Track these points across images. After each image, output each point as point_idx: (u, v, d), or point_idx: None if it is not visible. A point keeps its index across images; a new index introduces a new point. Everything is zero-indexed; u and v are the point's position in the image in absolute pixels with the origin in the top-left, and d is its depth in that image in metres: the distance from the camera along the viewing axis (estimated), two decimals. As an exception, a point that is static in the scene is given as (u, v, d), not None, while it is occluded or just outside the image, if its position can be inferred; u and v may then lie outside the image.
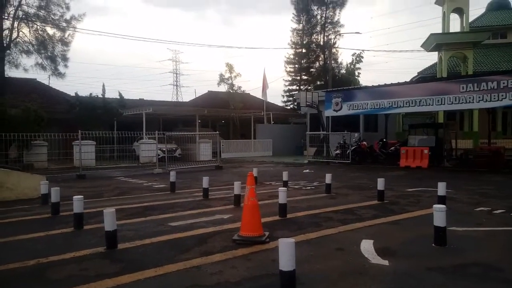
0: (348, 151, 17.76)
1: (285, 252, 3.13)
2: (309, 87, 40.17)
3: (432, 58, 61.83)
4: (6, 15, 22.08)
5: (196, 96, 40.60)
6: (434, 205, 4.76)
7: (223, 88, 29.90)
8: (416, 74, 28.44)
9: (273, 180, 11.63)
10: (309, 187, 10.11)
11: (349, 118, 20.14)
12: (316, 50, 42.04)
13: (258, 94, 34.84)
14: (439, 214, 4.59)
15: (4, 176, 8.66)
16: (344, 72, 39.18)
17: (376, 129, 23.10)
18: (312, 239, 4.93)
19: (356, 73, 38.52)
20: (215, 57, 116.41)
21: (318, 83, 39.68)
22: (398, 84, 17.35)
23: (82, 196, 5.78)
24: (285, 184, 9.71)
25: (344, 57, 49.17)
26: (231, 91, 29.27)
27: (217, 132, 20.17)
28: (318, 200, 8.08)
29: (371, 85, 18.86)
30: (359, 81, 37.21)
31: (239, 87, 30.44)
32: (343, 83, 32.41)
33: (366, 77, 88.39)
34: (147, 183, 11.59)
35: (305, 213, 6.61)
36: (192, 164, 18.12)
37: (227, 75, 29.53)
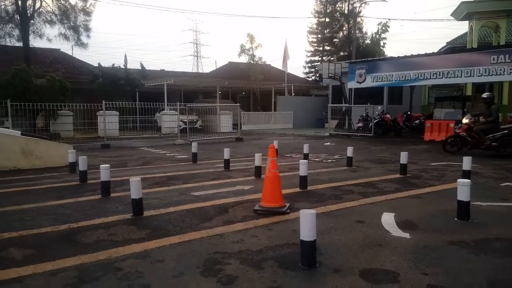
0: (370, 124, 17.49)
1: (306, 223, 3.18)
2: (332, 58, 39.29)
3: (462, 27, 59.01)
4: (29, -16, 22.17)
5: (217, 67, 40.37)
6: (458, 180, 4.68)
7: (244, 59, 29.57)
8: (445, 44, 27.28)
9: (293, 153, 11.64)
10: (330, 160, 10.08)
11: (372, 90, 19.71)
12: (340, 19, 40.77)
13: (279, 65, 34.38)
14: (463, 188, 4.52)
15: (33, 144, 8.99)
16: (369, 42, 37.96)
17: (401, 102, 22.57)
18: (332, 211, 4.97)
19: (382, 44, 37.26)
20: (236, 27, 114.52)
21: (341, 54, 38.71)
22: (426, 55, 16.74)
23: (109, 165, 5.96)
24: (305, 156, 9.70)
25: (369, 27, 47.60)
26: (252, 62, 28.92)
27: (238, 104, 20.13)
28: (339, 173, 8.07)
29: (396, 56, 18.23)
30: (384, 52, 36.04)
31: (260, 58, 30.02)
32: (367, 54, 31.48)
33: (392, 48, 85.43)
34: (169, 154, 11.81)
35: (325, 185, 6.62)
36: (213, 135, 18.27)
37: (248, 45, 29.10)
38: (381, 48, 36.89)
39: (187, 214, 4.82)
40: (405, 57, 17.28)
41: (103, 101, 15.20)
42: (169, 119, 19.60)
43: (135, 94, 23.74)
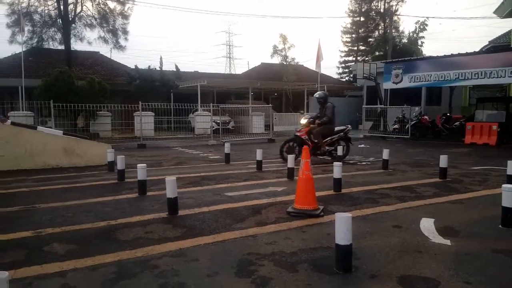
0: (407, 126, 16.98)
1: (342, 226, 3.11)
2: (367, 58, 38.49)
3: (505, 25, 56.09)
4: (70, -12, 23.22)
5: (249, 68, 40.59)
6: (504, 185, 4.44)
7: (277, 60, 29.54)
8: (487, 43, 26.02)
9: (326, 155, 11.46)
10: (364, 163, 9.87)
11: (409, 91, 19.14)
12: (376, 18, 39.86)
13: (312, 66, 34.06)
14: (508, 194, 4.28)
15: (74, 143, 9.38)
16: (406, 41, 36.82)
17: (439, 103, 21.77)
18: (368, 215, 4.85)
19: (419, 43, 36.02)
20: (269, 28, 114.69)
21: (377, 53, 37.78)
22: (467, 54, 16.04)
23: (145, 165, 6.11)
24: (339, 158, 9.54)
25: (406, 26, 46.21)
26: (285, 63, 28.84)
27: (270, 105, 20.13)
28: (374, 176, 7.87)
29: (435, 55, 17.58)
30: (422, 51, 34.86)
31: (293, 59, 29.89)
32: (404, 53, 30.57)
33: (430, 47, 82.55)
34: (202, 154, 11.97)
35: (360, 188, 6.48)
36: (245, 136, 18.36)
37: (280, 46, 29.06)
38: (419, 47, 35.68)
39: (221, 214, 4.85)
40: (445, 56, 16.64)
41: (140, 102, 15.64)
42: (202, 120, 19.90)
43: (170, 95, 24.27)
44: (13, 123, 10.01)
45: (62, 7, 22.96)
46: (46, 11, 24.11)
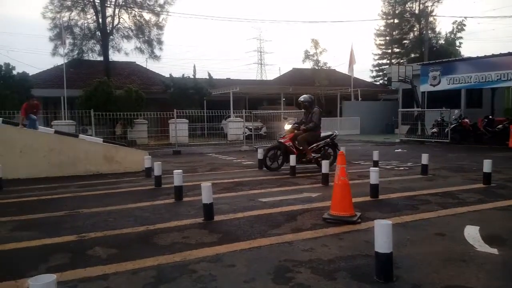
0: (446, 129, 16.35)
1: (382, 234, 3.02)
2: (402, 61, 37.48)
3: (553, 21, 52.84)
4: (108, 2, 24.28)
5: (281, 74, 40.61)
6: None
7: (308, 65, 29.36)
8: (532, 41, 24.68)
9: (361, 160, 11.25)
10: (402, 168, 9.58)
11: (448, 93, 18.44)
12: (410, 20, 38.81)
13: (344, 70, 33.64)
14: None
15: (114, 150, 9.73)
16: (443, 42, 35.61)
17: (480, 105, 20.81)
18: (408, 222, 4.69)
19: (457, 43, 34.76)
20: (300, 33, 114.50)
21: (412, 55, 36.78)
22: (509, 54, 15.28)
23: (181, 171, 6.23)
24: (375, 163, 9.32)
25: (443, 26, 44.49)
26: (316, 68, 28.62)
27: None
28: (413, 181, 7.62)
29: (475, 56, 16.88)
30: (460, 52, 33.60)
31: (325, 63, 29.60)
32: (441, 55, 29.57)
33: (469, 48, 79.17)
34: (236, 160, 12.06)
35: (399, 194, 6.29)
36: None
37: (312, 51, 28.86)
38: (457, 48, 34.42)
39: (256, 220, 4.85)
40: (486, 56, 15.96)
41: (174, 110, 16.01)
42: (235, 126, 20.08)
43: (203, 102, 24.70)
44: (56, 132, 10.53)
45: (100, 20, 24.02)
46: (85, 24, 25.31)
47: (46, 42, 27.95)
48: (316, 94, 28.52)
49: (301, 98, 9.43)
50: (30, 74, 21.93)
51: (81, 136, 11.31)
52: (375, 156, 9.52)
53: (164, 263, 3.45)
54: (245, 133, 17.43)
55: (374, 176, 5.97)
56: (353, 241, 4.01)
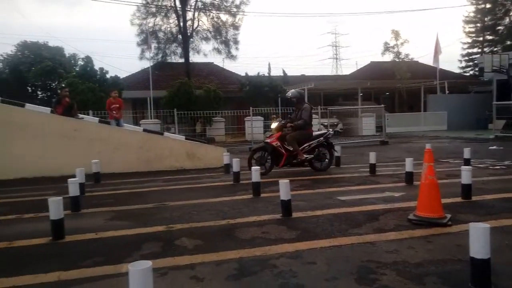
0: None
1: (478, 238, 2.77)
2: (495, 49, 33.93)
3: None
4: (188, 7, 25.62)
5: (358, 68, 39.27)
6: None
7: (388, 57, 27.97)
8: None
9: (450, 158, 10.43)
10: (498, 167, 8.68)
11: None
12: (506, 4, 34.92)
13: (428, 62, 31.39)
14: None
15: (196, 148, 10.26)
16: (546, 26, 31.44)
17: None
18: (507, 226, 4.23)
19: None
20: (378, 25, 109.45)
21: (508, 43, 33.07)
22: None
23: (259, 167, 6.34)
24: (466, 162, 8.56)
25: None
26: (397, 60, 27.13)
27: (382, 105, 19.12)
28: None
29: None
30: None
31: (406, 55, 27.94)
32: (544, 40, 26.16)
33: None
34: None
35: (495, 196, 5.71)
36: (355, 138, 17.76)
37: (392, 42, 27.45)
38: None
39: (335, 219, 4.76)
40: None
41: (250, 108, 16.36)
42: (310, 123, 19.86)
43: (277, 99, 24.90)
44: (145, 130, 11.39)
45: (181, 24, 25.45)
46: (168, 29, 27.01)
47: (134, 47, 30.34)
48: (397, 88, 27.13)
49: (289, 94, 8.67)
50: (121, 77, 24.05)
51: (166, 134, 12.10)
52: (467, 153, 8.74)
53: (246, 256, 3.55)
54: (320, 129, 17.16)
55: (466, 175, 5.49)
56: (443, 245, 3.73)
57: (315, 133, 8.59)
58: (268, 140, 8.30)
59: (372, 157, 8.28)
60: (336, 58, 57.39)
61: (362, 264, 3.30)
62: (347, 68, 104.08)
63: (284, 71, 26.88)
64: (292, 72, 31.76)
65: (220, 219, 4.87)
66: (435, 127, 23.50)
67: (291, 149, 8.11)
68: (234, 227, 4.50)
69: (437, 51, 25.54)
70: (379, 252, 3.60)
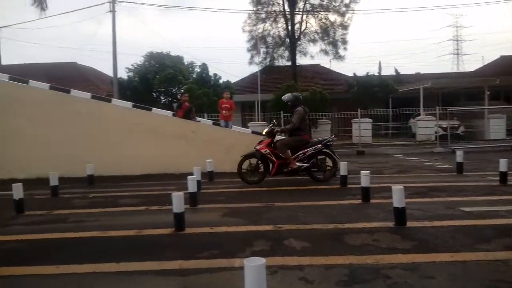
0: None
1: None
2: None
3: None
4: (297, 10, 25.86)
5: (484, 63, 34.89)
6: None
7: (524, 50, 24.24)
8: None
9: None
10: None
11: None
12: None
13: None
14: None
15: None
16: None
17: None
18: None
19: None
20: (508, 15, 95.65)
21: None
22: None
23: (369, 171, 6.08)
24: None
25: None
26: (535, 53, 23.34)
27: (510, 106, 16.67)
28: None
29: None
30: None
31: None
32: None
33: None
34: (427, 162, 11.02)
35: None
36: (480, 143, 15.83)
37: (528, 33, 23.70)
38: None
39: (457, 231, 4.30)
40: None
41: (358, 109, 15.80)
42: (425, 125, 18.39)
43: (388, 100, 23.56)
44: (253, 132, 11.86)
45: (289, 27, 25.84)
46: (276, 33, 27.64)
47: (245, 53, 31.80)
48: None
49: (285, 97, 8.26)
50: (232, 82, 25.46)
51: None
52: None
53: (356, 263, 3.43)
54: (438, 132, 15.69)
55: None
56: None
57: (314, 140, 8.16)
58: (258, 147, 7.91)
59: (503, 164, 7.25)
60: (458, 54, 51.78)
61: (491, 284, 2.95)
62: (471, 64, 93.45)
63: (396, 70, 25.37)
64: (405, 70, 29.76)
65: (328, 222, 4.80)
66: None
67: (283, 156, 7.64)
68: (342, 232, 4.40)
69: None
70: (511, 272, 3.14)
